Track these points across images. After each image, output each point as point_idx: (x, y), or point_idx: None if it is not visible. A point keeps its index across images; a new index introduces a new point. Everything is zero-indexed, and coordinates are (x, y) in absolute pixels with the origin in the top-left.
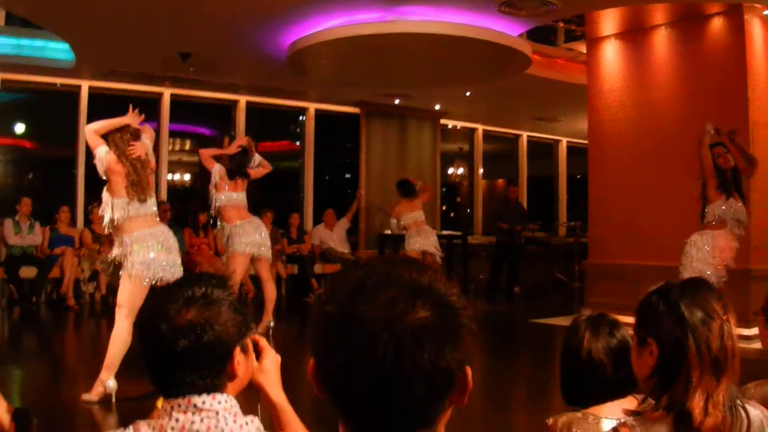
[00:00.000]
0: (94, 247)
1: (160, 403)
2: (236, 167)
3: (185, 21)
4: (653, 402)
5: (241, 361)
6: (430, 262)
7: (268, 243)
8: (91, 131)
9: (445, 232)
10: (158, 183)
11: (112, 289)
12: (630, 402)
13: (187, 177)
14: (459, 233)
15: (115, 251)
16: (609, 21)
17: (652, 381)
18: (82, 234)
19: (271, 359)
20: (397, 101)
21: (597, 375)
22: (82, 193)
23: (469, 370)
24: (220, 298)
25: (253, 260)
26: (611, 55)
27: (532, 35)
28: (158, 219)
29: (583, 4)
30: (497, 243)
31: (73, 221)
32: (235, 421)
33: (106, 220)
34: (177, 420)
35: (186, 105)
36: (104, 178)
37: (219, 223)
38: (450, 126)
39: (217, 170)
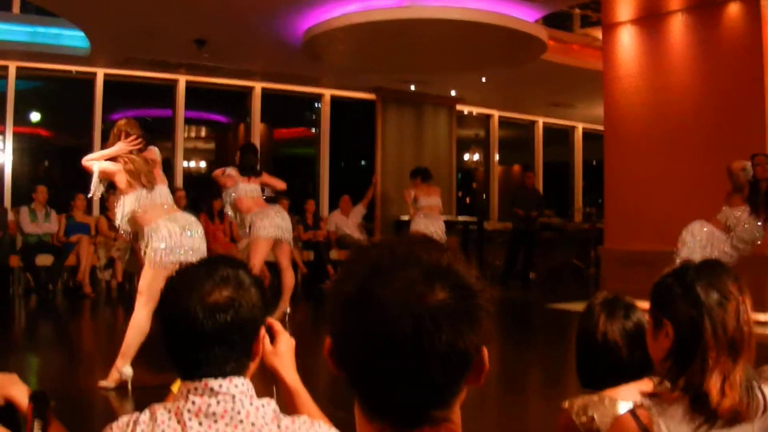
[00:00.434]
0: (110, 235)
1: (175, 387)
2: (248, 165)
3: (200, 7)
4: (669, 384)
5: (265, 343)
6: None
7: (290, 227)
8: (85, 162)
9: (460, 218)
10: (174, 170)
11: (129, 276)
12: (646, 384)
13: (202, 164)
14: (475, 219)
15: (141, 245)
16: (625, 7)
17: (667, 363)
18: (98, 221)
19: (286, 342)
20: (412, 87)
21: (612, 357)
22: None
23: (485, 352)
24: (248, 278)
25: (274, 247)
26: (627, 41)
27: (548, 21)
28: (175, 207)
29: None
30: (513, 229)
31: (88, 209)
32: (251, 404)
33: (120, 220)
34: (193, 403)
35: (201, 92)
36: (106, 192)
37: (237, 216)
38: (466, 112)
39: (229, 171)
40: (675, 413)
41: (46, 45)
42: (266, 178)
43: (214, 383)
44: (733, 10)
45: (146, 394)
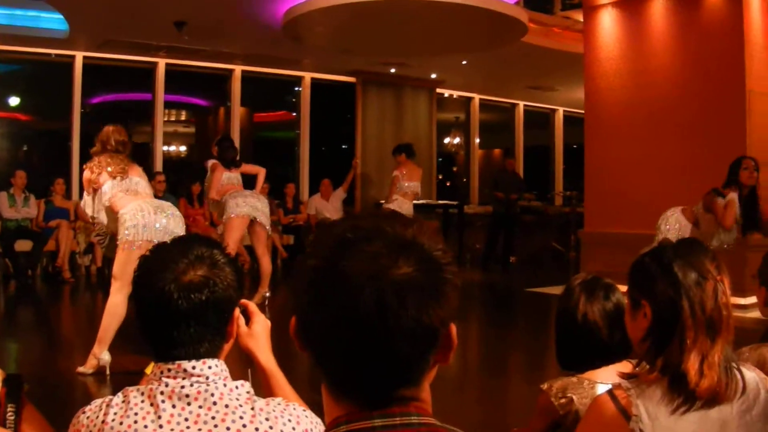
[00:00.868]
0: (89, 220)
1: (149, 370)
2: (230, 159)
3: None
4: (648, 365)
5: (240, 324)
6: None
7: (267, 211)
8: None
9: (441, 202)
10: (153, 154)
11: (108, 261)
12: (625, 366)
13: (182, 148)
14: (455, 203)
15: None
16: None
17: (646, 343)
18: (78, 206)
19: (261, 324)
20: (393, 70)
21: (593, 339)
22: (77, 165)
23: (453, 328)
24: (222, 257)
25: (250, 231)
26: (608, 23)
27: (529, 3)
28: (151, 195)
29: None
30: (493, 212)
31: (68, 193)
32: (225, 385)
33: (96, 213)
34: (167, 385)
35: (181, 75)
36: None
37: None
38: (446, 95)
39: (210, 165)
40: (653, 394)
41: (24, 28)
42: (245, 167)
43: (187, 365)
44: None
45: (125, 379)
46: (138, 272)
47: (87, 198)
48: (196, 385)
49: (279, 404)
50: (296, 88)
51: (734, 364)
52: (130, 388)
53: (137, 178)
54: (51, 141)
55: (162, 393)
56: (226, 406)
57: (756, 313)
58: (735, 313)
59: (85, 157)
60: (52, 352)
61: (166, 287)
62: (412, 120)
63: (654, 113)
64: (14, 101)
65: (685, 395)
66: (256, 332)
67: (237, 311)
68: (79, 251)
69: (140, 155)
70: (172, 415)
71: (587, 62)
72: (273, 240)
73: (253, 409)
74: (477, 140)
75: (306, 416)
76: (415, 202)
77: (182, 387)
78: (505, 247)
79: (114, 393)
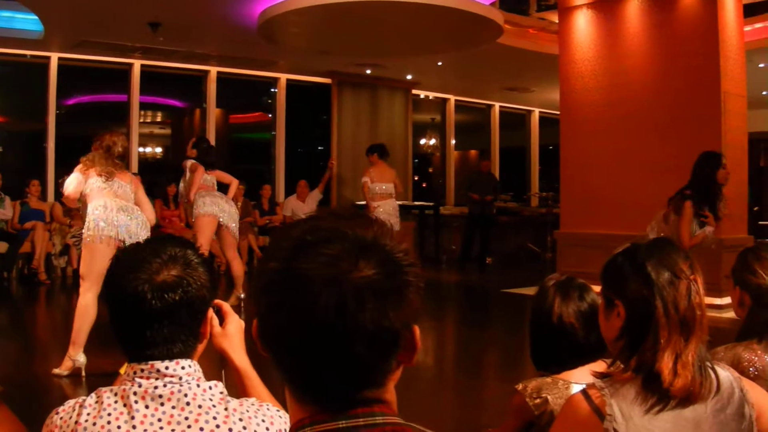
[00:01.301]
0: (65, 221)
1: (123, 369)
2: (211, 161)
3: None
4: (621, 365)
5: (214, 324)
6: None
7: (236, 216)
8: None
9: (417, 203)
10: (129, 155)
11: None
12: (599, 366)
13: (158, 149)
14: (431, 204)
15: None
16: None
17: (620, 343)
18: (53, 208)
19: (235, 324)
20: (368, 71)
21: (568, 339)
22: (52, 166)
23: (416, 329)
24: (195, 258)
25: (218, 235)
26: (583, 24)
27: (504, 4)
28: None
29: None
30: (469, 213)
31: (43, 195)
32: (198, 386)
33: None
34: (140, 385)
35: (157, 77)
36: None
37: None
38: (422, 96)
39: (190, 166)
40: (627, 393)
41: None
42: (220, 173)
43: (160, 365)
44: None
45: (100, 380)
46: (110, 272)
47: (72, 177)
48: (169, 386)
49: (252, 404)
50: (272, 90)
51: (708, 364)
52: (104, 389)
53: (122, 182)
54: (26, 142)
55: (135, 393)
56: (200, 406)
57: (731, 313)
58: (710, 313)
59: (60, 159)
60: (27, 353)
61: (139, 287)
62: (388, 121)
63: (629, 114)
64: None
65: (659, 394)
66: (230, 332)
67: (210, 311)
68: (55, 253)
69: None
70: (145, 416)
71: (562, 63)
72: (249, 241)
73: (226, 409)
74: (453, 141)
75: (280, 416)
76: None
77: (155, 387)
78: (481, 248)
79: (89, 394)
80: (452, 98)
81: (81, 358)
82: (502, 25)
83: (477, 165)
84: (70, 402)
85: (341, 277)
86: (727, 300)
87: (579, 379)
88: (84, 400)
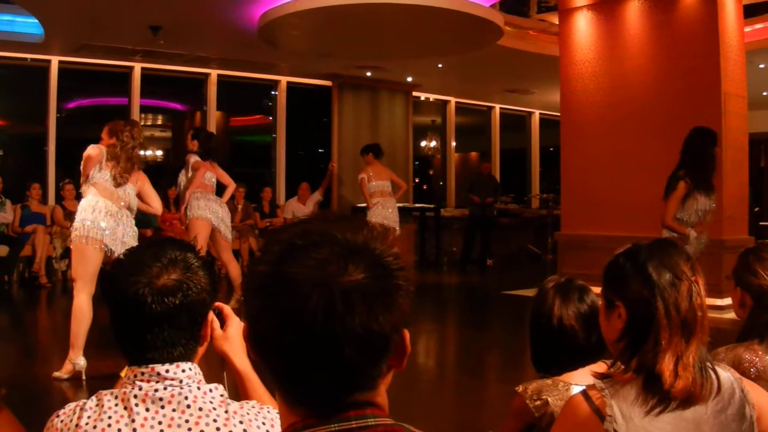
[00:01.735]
0: (65, 224)
1: (124, 372)
2: (213, 148)
3: None
4: (622, 366)
5: (215, 327)
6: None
7: (228, 221)
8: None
9: (417, 205)
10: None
11: None
12: (600, 367)
13: (159, 152)
14: (432, 206)
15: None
16: None
17: (620, 344)
18: (54, 211)
19: (236, 327)
20: (369, 73)
21: (569, 341)
22: (53, 169)
23: (406, 333)
24: (196, 260)
25: (212, 240)
26: (583, 26)
27: (505, 6)
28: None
29: None
30: (470, 215)
31: (44, 198)
32: (199, 389)
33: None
34: (140, 388)
35: (157, 80)
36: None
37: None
38: (422, 98)
39: (193, 163)
40: (628, 395)
41: None
42: (222, 171)
43: (161, 368)
44: None
45: (101, 383)
46: (111, 276)
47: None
48: (169, 389)
49: (253, 407)
50: (272, 92)
51: (709, 364)
52: (104, 392)
53: (130, 187)
54: (27, 146)
55: (136, 396)
56: (200, 409)
57: (732, 314)
58: (711, 314)
59: (61, 162)
60: (28, 357)
61: (139, 291)
62: (389, 123)
63: (630, 115)
64: None
65: (659, 396)
66: (231, 335)
67: (211, 314)
68: (56, 256)
69: None
70: (145, 419)
71: (563, 65)
72: (250, 244)
73: (227, 412)
74: (453, 143)
75: (280, 420)
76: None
77: (156, 390)
78: (482, 249)
79: (90, 397)
80: (453, 100)
81: (81, 362)
82: (502, 27)
83: (477, 167)
84: (71, 405)
85: (330, 281)
86: (728, 301)
87: (579, 381)
88: (84, 403)
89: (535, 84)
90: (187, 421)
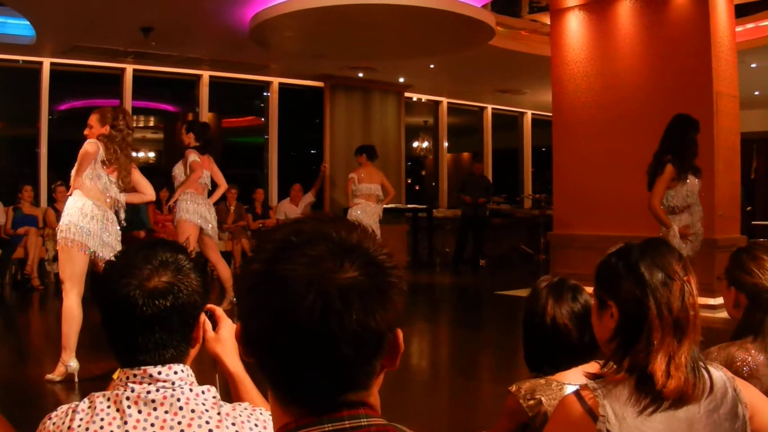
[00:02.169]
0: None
1: (116, 375)
2: (210, 139)
3: None
4: (615, 365)
5: (207, 329)
6: None
7: (215, 222)
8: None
9: (410, 206)
10: None
11: None
12: (592, 367)
13: (151, 154)
14: (424, 206)
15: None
16: None
17: (613, 344)
18: (46, 213)
19: (228, 328)
20: (361, 74)
21: (562, 341)
22: (45, 171)
23: (399, 333)
24: (187, 262)
25: (199, 241)
26: (575, 26)
27: (496, 6)
28: (109, 203)
29: None
30: (462, 216)
31: (36, 200)
32: (191, 390)
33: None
34: (132, 390)
35: (149, 81)
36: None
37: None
38: (414, 99)
39: (191, 163)
40: (620, 395)
41: None
42: (217, 170)
43: (153, 370)
44: None
45: (93, 385)
46: (102, 278)
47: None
48: (162, 391)
49: (245, 409)
50: (264, 93)
51: (701, 364)
52: (96, 394)
53: (113, 177)
54: (19, 148)
55: (128, 399)
56: (192, 411)
57: (725, 314)
58: (704, 313)
59: (53, 164)
60: (21, 359)
61: (130, 293)
62: (381, 124)
63: (622, 115)
64: None
65: (652, 396)
66: (223, 337)
67: (203, 316)
68: (48, 258)
69: None
70: (138, 421)
71: (554, 65)
72: (242, 245)
73: (219, 414)
74: (445, 144)
75: (272, 420)
76: (385, 206)
77: (148, 392)
78: (475, 250)
79: (82, 399)
80: (445, 101)
81: (73, 364)
82: (494, 27)
83: (470, 167)
84: (63, 407)
85: (326, 278)
86: (720, 300)
87: (572, 380)
88: (77, 406)
89: (527, 84)
90: (179, 423)
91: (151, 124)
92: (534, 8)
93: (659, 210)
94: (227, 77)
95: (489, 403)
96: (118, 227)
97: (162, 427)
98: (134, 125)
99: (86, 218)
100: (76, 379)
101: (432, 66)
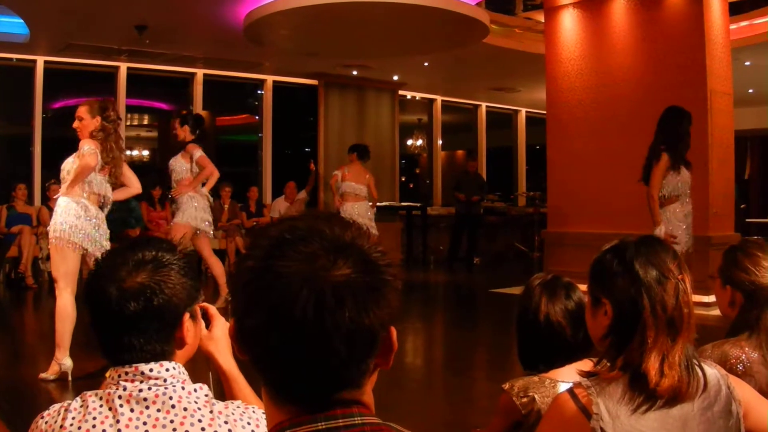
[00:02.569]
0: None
1: (109, 373)
2: (204, 132)
3: None
4: (609, 363)
5: (189, 328)
6: None
7: (210, 218)
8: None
9: (404, 204)
10: None
11: None
12: (586, 365)
13: (145, 153)
14: (418, 204)
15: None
16: None
17: (606, 341)
18: (40, 212)
19: (221, 327)
20: (355, 72)
21: (556, 338)
22: (39, 170)
23: (393, 331)
24: (171, 261)
25: (193, 240)
26: (569, 23)
27: (491, 4)
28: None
29: None
30: (456, 214)
31: (30, 199)
32: (183, 388)
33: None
34: (124, 388)
35: (143, 79)
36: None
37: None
38: (408, 97)
39: (198, 157)
40: (614, 392)
41: None
42: (207, 162)
43: (144, 367)
44: None
45: (87, 383)
46: (89, 277)
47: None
48: (154, 389)
49: (238, 407)
50: (258, 91)
51: (695, 361)
52: (89, 393)
53: (101, 175)
54: (12, 146)
55: (120, 397)
56: (185, 409)
57: (719, 311)
58: (698, 311)
59: (47, 162)
60: (15, 358)
61: (106, 293)
62: (375, 122)
63: (616, 113)
64: None
65: (645, 394)
66: (216, 335)
67: (186, 316)
68: (42, 257)
69: None
70: (130, 419)
71: (548, 63)
72: (236, 243)
73: (211, 412)
74: (440, 142)
75: (265, 419)
76: (379, 203)
77: (140, 390)
78: (469, 248)
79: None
80: (439, 99)
81: (67, 362)
82: (488, 25)
83: (464, 165)
84: (56, 406)
85: (320, 275)
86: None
87: (566, 378)
88: (69, 404)
89: (522, 82)
90: (171, 421)
91: (145, 122)
92: (528, 6)
93: (656, 203)
94: (221, 75)
95: (483, 401)
96: (104, 227)
97: (154, 426)
98: (128, 123)
99: (80, 218)
100: (70, 378)
101: (426, 64)
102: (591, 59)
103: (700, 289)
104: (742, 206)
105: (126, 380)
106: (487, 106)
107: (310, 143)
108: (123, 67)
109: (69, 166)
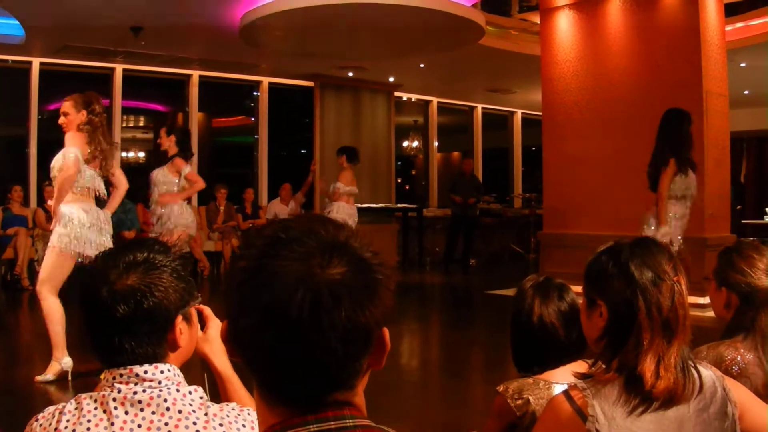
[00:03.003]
0: (47, 227)
1: (103, 375)
2: (189, 146)
3: None
4: (604, 365)
5: (183, 330)
6: None
7: (194, 223)
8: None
9: (400, 205)
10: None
11: None
12: (580, 366)
13: (141, 154)
14: (414, 206)
15: (53, 225)
16: None
17: (602, 343)
18: (36, 213)
19: (216, 328)
20: (350, 74)
21: (550, 340)
22: (34, 171)
23: (386, 331)
24: (163, 263)
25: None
26: (565, 25)
27: (486, 6)
28: (93, 198)
29: None
30: (452, 215)
31: (26, 201)
32: (178, 391)
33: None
34: (119, 390)
35: (139, 81)
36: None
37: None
38: (404, 98)
39: (187, 173)
40: (609, 394)
41: None
42: (195, 176)
43: (139, 369)
44: None
45: (86, 383)
46: (83, 279)
47: (73, 155)
48: (148, 391)
49: (233, 409)
50: (254, 93)
51: (691, 363)
52: (83, 395)
53: (95, 172)
54: (8, 148)
55: (114, 399)
56: (180, 411)
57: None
58: (693, 312)
59: (42, 165)
60: (11, 360)
61: (99, 295)
62: (371, 124)
63: (612, 114)
64: None
65: (641, 396)
66: (212, 337)
67: (179, 319)
68: (38, 259)
69: None
70: (125, 422)
71: (544, 64)
72: (232, 245)
73: (206, 414)
74: (435, 143)
75: (258, 422)
76: (375, 205)
77: (135, 393)
78: (465, 249)
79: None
80: (434, 100)
81: (68, 361)
82: (483, 27)
83: (460, 167)
84: (50, 408)
85: (315, 274)
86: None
87: (560, 379)
88: (64, 407)
89: (517, 83)
90: (166, 424)
91: (141, 124)
92: (524, 7)
93: (665, 208)
94: (217, 77)
95: (478, 403)
96: (108, 232)
97: (149, 428)
98: (124, 125)
99: (84, 228)
100: (70, 377)
101: (422, 65)
102: (587, 61)
103: (696, 291)
104: (738, 207)
105: (121, 382)
106: (482, 108)
107: (306, 145)
108: (119, 68)
109: (58, 164)
